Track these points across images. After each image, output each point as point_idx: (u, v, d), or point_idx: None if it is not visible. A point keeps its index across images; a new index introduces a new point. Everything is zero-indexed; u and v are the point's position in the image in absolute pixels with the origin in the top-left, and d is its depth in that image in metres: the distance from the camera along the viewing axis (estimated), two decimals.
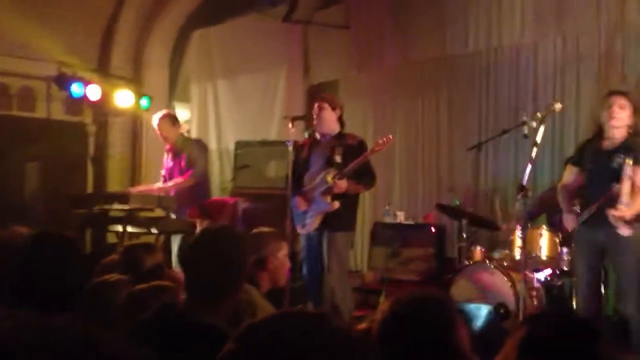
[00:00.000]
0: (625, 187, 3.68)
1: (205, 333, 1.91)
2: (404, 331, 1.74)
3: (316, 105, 4.67)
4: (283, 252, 3.08)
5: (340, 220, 4.46)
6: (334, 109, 4.62)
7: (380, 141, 4.48)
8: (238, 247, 2.19)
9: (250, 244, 2.61)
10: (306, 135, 5.04)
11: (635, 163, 3.68)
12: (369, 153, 4.46)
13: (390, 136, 4.50)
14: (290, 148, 5.17)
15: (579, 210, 4.08)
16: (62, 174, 6.70)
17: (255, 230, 3.16)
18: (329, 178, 4.43)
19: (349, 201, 4.52)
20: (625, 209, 3.69)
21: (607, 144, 3.91)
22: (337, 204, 4.42)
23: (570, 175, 4.13)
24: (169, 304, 2.13)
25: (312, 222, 4.50)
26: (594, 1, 5.38)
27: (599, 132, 3.96)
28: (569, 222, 4.06)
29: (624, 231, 3.74)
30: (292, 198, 4.59)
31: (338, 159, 4.48)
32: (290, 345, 1.06)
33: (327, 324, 1.13)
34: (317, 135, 4.68)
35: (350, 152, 4.48)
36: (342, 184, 4.38)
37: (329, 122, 4.60)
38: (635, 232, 3.78)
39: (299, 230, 4.62)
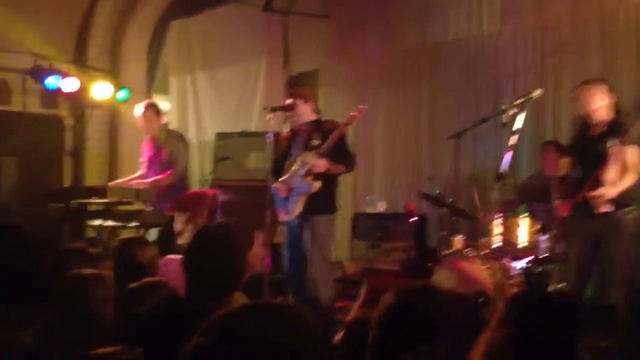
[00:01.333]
0: (610, 168, 3.76)
1: None
2: (407, 319, 1.78)
3: (288, 102, 4.68)
4: (258, 240, 3.09)
5: (320, 204, 4.46)
6: (306, 101, 4.64)
7: (352, 113, 4.52)
8: (237, 243, 2.25)
9: (243, 238, 2.64)
10: (285, 129, 5.04)
11: (622, 143, 3.75)
12: (343, 126, 4.50)
13: (362, 106, 4.53)
14: (270, 139, 5.14)
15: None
16: (39, 168, 6.62)
17: (238, 221, 3.17)
18: (308, 158, 4.44)
19: (329, 183, 4.53)
20: (603, 189, 3.76)
21: (593, 130, 3.98)
22: (318, 184, 4.43)
23: (565, 164, 4.20)
24: (175, 295, 2.17)
25: (295, 207, 4.50)
26: None
27: (585, 121, 4.02)
28: (562, 208, 4.11)
29: (602, 208, 3.79)
30: (272, 186, 4.58)
31: (316, 142, 4.49)
32: (256, 336, 1.06)
33: (294, 315, 1.13)
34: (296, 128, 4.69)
35: (328, 136, 4.48)
36: (321, 163, 4.39)
37: (305, 114, 4.64)
38: (626, 215, 3.84)
39: (283, 217, 4.60)
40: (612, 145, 3.75)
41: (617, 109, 3.93)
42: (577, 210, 3.99)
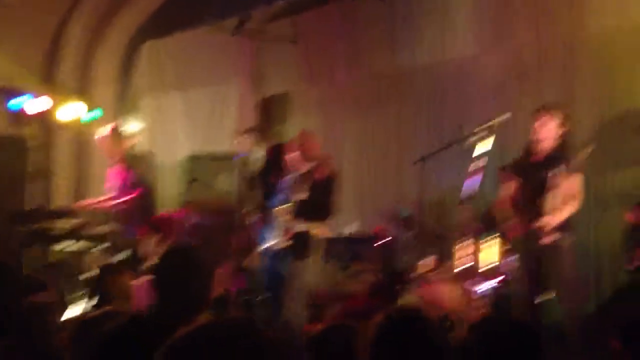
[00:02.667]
0: (550, 198, 3.88)
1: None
2: (398, 335, 1.82)
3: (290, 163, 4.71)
4: (229, 262, 3.10)
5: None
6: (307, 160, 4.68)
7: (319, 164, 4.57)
8: (205, 264, 2.27)
9: (211, 259, 2.64)
10: (257, 153, 5.06)
11: (561, 171, 3.89)
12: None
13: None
14: (239, 162, 5.16)
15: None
16: (3, 190, 6.51)
17: (208, 243, 3.18)
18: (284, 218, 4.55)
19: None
20: (547, 219, 3.88)
21: (535, 158, 4.13)
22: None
23: (512, 187, 4.31)
24: (138, 316, 2.17)
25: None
26: (533, 17, 5.54)
27: (530, 146, 4.18)
28: (518, 227, 4.19)
29: (546, 239, 3.93)
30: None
31: (301, 196, 4.56)
32: (214, 353, 1.10)
33: (249, 329, 1.15)
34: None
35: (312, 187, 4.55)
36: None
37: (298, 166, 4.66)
38: (564, 241, 4.00)
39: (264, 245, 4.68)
40: (553, 174, 3.88)
41: (565, 139, 4.06)
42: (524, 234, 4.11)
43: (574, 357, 3.87)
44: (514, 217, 4.22)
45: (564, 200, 3.93)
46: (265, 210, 4.63)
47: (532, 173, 4.06)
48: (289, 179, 4.63)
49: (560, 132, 4.05)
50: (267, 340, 1.17)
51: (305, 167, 4.52)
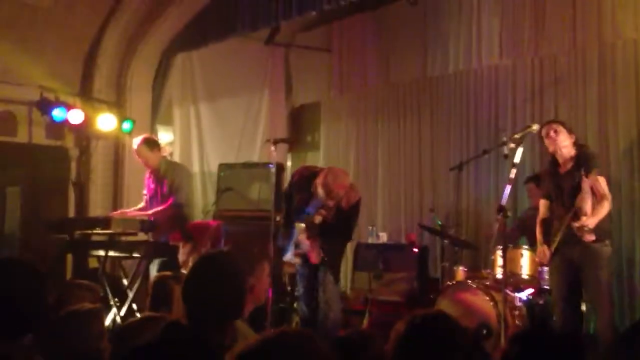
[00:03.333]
0: (585, 200, 4.02)
1: (218, 354, 1.91)
2: (421, 346, 1.81)
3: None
4: (265, 272, 3.10)
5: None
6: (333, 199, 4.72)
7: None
8: (238, 270, 2.23)
9: (245, 266, 2.63)
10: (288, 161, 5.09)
11: (589, 173, 4.04)
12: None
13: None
14: (273, 170, 5.20)
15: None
16: (43, 198, 6.64)
17: (241, 251, 3.19)
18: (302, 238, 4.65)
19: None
20: (585, 219, 4.00)
21: (562, 168, 4.26)
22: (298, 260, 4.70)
23: (544, 208, 4.43)
24: (175, 324, 2.14)
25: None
26: (569, 23, 5.49)
27: (554, 160, 4.30)
28: (542, 255, 4.32)
29: (588, 237, 4.02)
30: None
31: (319, 219, 4.61)
32: None
33: (307, 344, 1.16)
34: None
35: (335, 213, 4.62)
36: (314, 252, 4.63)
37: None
38: (604, 247, 4.09)
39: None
40: (583, 179, 4.03)
41: (578, 145, 4.27)
42: (559, 244, 4.18)
43: None
44: (542, 243, 4.33)
45: (596, 201, 4.07)
46: (287, 228, 4.74)
47: (562, 183, 4.22)
48: (314, 204, 4.71)
49: (571, 140, 4.24)
50: (326, 355, 1.17)
51: (331, 203, 4.60)
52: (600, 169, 4.24)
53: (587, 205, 4.03)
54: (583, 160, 4.15)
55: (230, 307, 2.16)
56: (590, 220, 4.02)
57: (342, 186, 4.58)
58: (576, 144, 4.27)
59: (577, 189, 4.07)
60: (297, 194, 4.77)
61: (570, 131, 4.30)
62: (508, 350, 1.85)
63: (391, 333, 1.86)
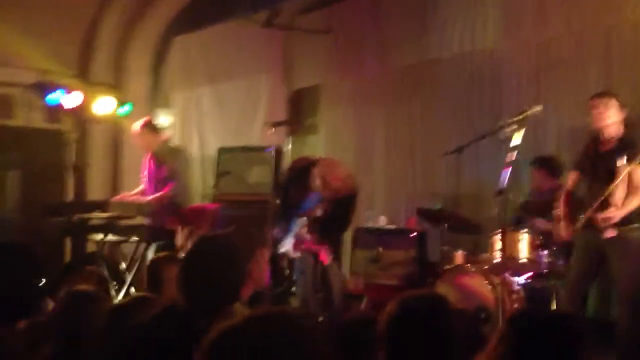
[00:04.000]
0: (618, 188, 3.75)
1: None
2: (412, 327, 1.80)
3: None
4: (265, 257, 3.08)
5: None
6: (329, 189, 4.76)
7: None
8: (236, 253, 2.18)
9: (244, 249, 2.60)
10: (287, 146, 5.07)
11: (629, 160, 3.74)
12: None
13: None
14: (272, 154, 5.19)
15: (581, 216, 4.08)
16: (41, 182, 6.64)
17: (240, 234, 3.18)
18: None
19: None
20: (613, 210, 3.75)
21: (603, 146, 3.98)
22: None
23: (572, 180, 4.22)
24: (172, 307, 2.11)
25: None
26: (570, 5, 5.43)
27: (596, 136, 4.02)
28: (562, 230, 4.10)
29: (609, 233, 3.79)
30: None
31: (319, 213, 4.65)
32: (258, 347, 1.09)
33: (292, 322, 1.15)
34: None
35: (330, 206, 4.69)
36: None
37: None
38: (633, 233, 3.81)
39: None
40: (621, 164, 3.74)
41: (626, 125, 3.94)
42: (584, 227, 3.96)
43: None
44: (566, 217, 4.09)
45: (630, 192, 3.79)
46: (283, 222, 4.76)
47: (600, 163, 3.92)
48: (313, 198, 4.73)
49: (622, 116, 3.91)
50: (306, 332, 1.16)
51: (328, 193, 4.62)
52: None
53: (619, 195, 3.76)
54: (628, 145, 3.83)
55: (227, 290, 2.12)
56: (617, 213, 3.76)
57: (338, 178, 4.60)
58: (626, 124, 3.92)
59: (612, 173, 3.79)
60: (293, 187, 4.78)
61: (622, 106, 3.92)
62: (505, 331, 1.84)
63: (383, 314, 1.85)
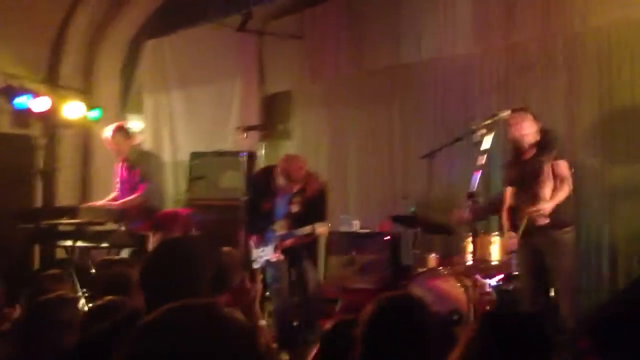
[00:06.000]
0: (544, 184, 4.08)
1: None
2: (388, 327, 1.83)
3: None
4: (245, 280, 3.00)
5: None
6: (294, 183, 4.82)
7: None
8: (203, 255, 2.14)
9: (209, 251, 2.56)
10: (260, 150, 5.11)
11: (549, 159, 4.10)
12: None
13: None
14: (244, 159, 5.17)
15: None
16: (9, 188, 6.49)
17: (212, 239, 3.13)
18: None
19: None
20: (540, 205, 4.06)
21: (525, 154, 4.32)
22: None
23: (509, 197, 4.48)
24: (137, 311, 2.07)
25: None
26: (539, 12, 5.53)
27: (517, 147, 4.36)
28: (512, 243, 4.37)
29: (541, 221, 4.07)
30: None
31: (295, 209, 4.74)
32: (181, 338, 1.10)
33: (215, 313, 1.15)
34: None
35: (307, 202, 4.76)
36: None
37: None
38: (565, 235, 4.15)
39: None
40: (543, 163, 4.11)
41: (543, 131, 4.32)
42: (523, 232, 4.23)
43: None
44: (511, 230, 4.37)
45: (555, 186, 4.12)
46: (258, 233, 4.79)
47: (524, 169, 4.26)
48: (281, 202, 4.77)
49: (537, 127, 4.29)
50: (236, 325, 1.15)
51: (294, 189, 4.67)
52: (562, 152, 4.28)
53: (546, 190, 4.09)
54: (544, 145, 4.22)
55: (187, 291, 2.00)
56: (546, 205, 4.07)
57: (298, 168, 4.66)
58: (542, 131, 4.31)
59: (538, 174, 4.14)
60: (263, 199, 4.82)
61: (535, 118, 4.33)
62: (475, 330, 1.86)
63: (360, 316, 1.86)
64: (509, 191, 4.50)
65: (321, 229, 4.70)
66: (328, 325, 2.33)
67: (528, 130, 4.28)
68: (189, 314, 1.15)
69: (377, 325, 1.85)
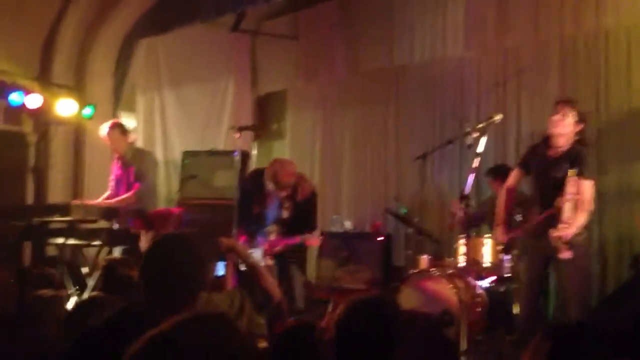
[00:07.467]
0: (567, 204, 3.74)
1: None
2: (359, 328, 1.83)
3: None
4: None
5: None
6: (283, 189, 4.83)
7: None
8: (194, 254, 2.14)
9: (209, 250, 2.56)
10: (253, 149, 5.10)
11: (579, 175, 3.75)
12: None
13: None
14: (237, 158, 5.17)
15: (520, 219, 4.20)
16: (0, 184, 6.46)
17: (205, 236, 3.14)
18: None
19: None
20: (564, 227, 3.74)
21: (552, 152, 3.98)
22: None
23: (514, 177, 4.25)
24: (129, 308, 2.08)
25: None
26: (532, 17, 5.57)
27: (546, 140, 4.04)
28: (498, 234, 4.18)
29: (565, 254, 3.76)
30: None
31: (285, 214, 4.73)
32: (192, 350, 1.11)
33: (222, 328, 1.15)
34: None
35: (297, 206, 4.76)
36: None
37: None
38: (576, 239, 3.84)
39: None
40: (571, 176, 3.75)
41: (579, 139, 3.97)
42: (534, 234, 4.03)
43: None
44: (503, 222, 4.16)
45: (578, 208, 3.81)
46: (248, 236, 4.79)
47: (547, 169, 3.95)
48: (272, 206, 4.77)
49: (576, 129, 3.94)
50: (241, 338, 1.16)
51: (284, 193, 4.66)
52: (590, 169, 3.92)
53: (568, 210, 3.75)
54: (576, 156, 3.86)
55: (187, 290, 2.07)
56: (569, 232, 3.77)
57: (288, 174, 4.63)
58: (578, 136, 3.94)
59: (559, 181, 3.82)
60: (252, 202, 4.82)
61: (579, 119, 3.93)
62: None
63: (327, 320, 1.87)
64: (516, 172, 4.23)
65: (311, 240, 4.65)
66: (281, 329, 2.27)
67: (566, 130, 3.91)
68: (200, 329, 1.16)
69: (349, 326, 1.85)
